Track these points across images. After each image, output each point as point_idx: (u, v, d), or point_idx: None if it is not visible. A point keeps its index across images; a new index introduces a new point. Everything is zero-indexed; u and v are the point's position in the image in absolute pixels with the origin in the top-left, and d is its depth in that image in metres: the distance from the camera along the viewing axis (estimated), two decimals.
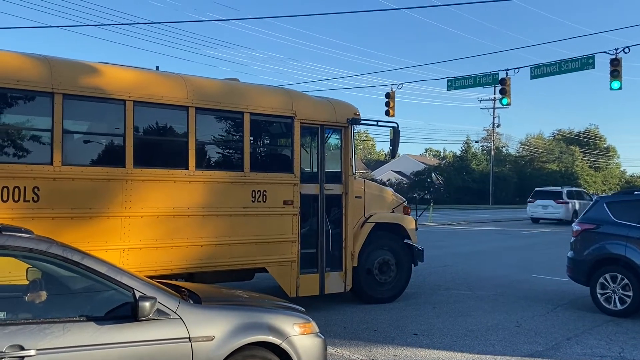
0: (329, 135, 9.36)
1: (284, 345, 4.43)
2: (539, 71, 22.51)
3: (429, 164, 72.80)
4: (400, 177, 67.79)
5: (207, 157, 8.12)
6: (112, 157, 7.26)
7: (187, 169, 7.60)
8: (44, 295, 3.99)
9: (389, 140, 10.05)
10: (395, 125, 9.94)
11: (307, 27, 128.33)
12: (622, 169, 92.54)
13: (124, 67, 7.65)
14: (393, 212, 10.29)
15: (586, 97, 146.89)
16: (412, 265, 10.25)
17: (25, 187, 6.41)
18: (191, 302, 4.36)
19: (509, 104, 23.96)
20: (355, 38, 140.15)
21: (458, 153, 75.47)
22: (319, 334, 4.80)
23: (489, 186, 61.63)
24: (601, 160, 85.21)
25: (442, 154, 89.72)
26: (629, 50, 19.76)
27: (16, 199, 6.37)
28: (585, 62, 21.19)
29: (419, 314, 8.89)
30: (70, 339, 3.61)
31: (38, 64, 6.75)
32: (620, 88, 20.12)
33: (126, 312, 3.88)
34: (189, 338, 4.03)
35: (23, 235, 3.90)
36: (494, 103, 61.20)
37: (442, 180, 11.81)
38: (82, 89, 6.86)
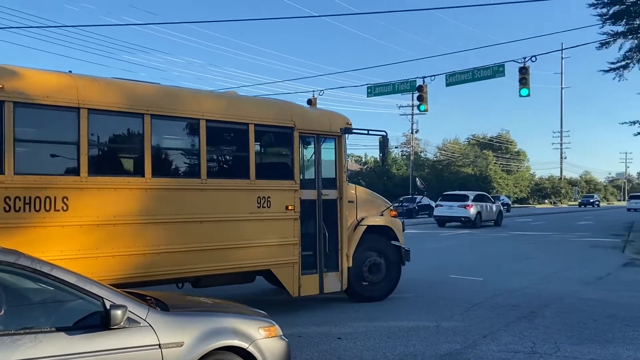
0: (325, 144, 9.92)
1: (251, 349, 4.59)
2: (453, 79, 23.36)
3: (351, 170, 73.81)
4: None
5: (217, 166, 8.78)
6: (133, 167, 7.76)
7: (200, 177, 8.10)
8: (10, 306, 3.95)
9: (378, 148, 10.76)
10: (384, 134, 10.59)
11: (227, 33, 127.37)
12: (531, 172, 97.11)
13: (142, 83, 8.31)
14: (382, 215, 10.82)
15: (498, 104, 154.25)
16: (401, 265, 10.79)
17: (55, 197, 6.77)
18: (158, 309, 4.42)
19: (426, 110, 24.67)
20: (276, 44, 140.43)
21: (379, 158, 76.86)
22: (282, 336, 4.99)
23: (409, 190, 63.17)
24: (512, 164, 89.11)
25: (363, 159, 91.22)
26: (536, 59, 20.88)
27: (47, 208, 6.72)
28: (496, 70, 22.19)
29: (343, 319, 8.98)
30: (42, 350, 3.61)
31: (65, 81, 7.12)
32: (528, 95, 21.19)
33: (95, 321, 3.92)
34: (159, 345, 4.11)
35: None
36: (412, 109, 62.72)
37: (425, 184, 12.91)
38: (106, 104, 7.25)
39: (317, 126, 9.67)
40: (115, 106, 7.31)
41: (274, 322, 5.00)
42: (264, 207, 8.71)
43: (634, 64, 31.88)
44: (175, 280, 8.32)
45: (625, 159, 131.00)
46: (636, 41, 30.80)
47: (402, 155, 76.77)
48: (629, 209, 59.73)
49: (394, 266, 10.64)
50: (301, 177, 9.52)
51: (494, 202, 34.63)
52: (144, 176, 7.51)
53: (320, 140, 9.75)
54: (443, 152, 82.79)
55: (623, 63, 31.88)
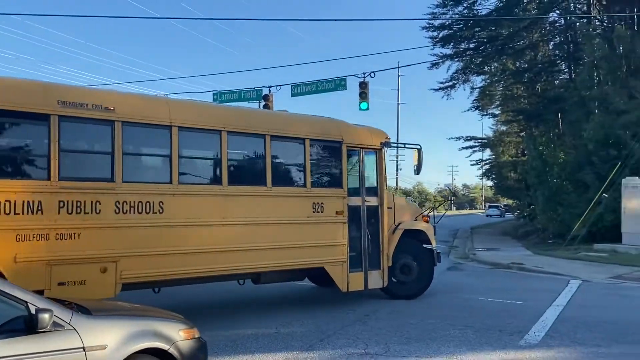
0: (367, 156, 11.11)
1: (172, 350, 4.79)
2: (298, 89, 23.93)
3: None
4: None
5: (279, 175, 9.81)
6: (212, 177, 9.15)
7: (266, 185, 9.38)
8: None
9: (414, 159, 11.97)
10: (419, 147, 11.84)
11: (64, 30, 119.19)
12: None
13: (220, 105, 10.24)
14: (416, 220, 11.93)
15: (341, 116, 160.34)
16: (434, 265, 11.83)
17: (153, 202, 8.12)
18: (81, 313, 4.51)
19: None
20: (117, 45, 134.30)
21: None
22: (201, 338, 5.25)
23: None
24: None
25: None
26: (374, 75, 22.17)
27: (147, 211, 8.06)
28: (339, 84, 23.13)
29: None
30: None
31: (159, 103, 8.83)
32: (367, 108, 22.37)
33: (19, 325, 3.98)
34: (83, 348, 4.20)
35: None
36: None
37: (453, 191, 14.17)
38: (190, 122, 8.67)
39: (361, 140, 10.96)
40: (196, 124, 8.74)
41: (193, 325, 5.21)
42: (318, 212, 9.98)
43: (459, 85, 35.04)
44: (243, 276, 9.58)
45: (452, 171, 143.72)
46: (462, 64, 33.84)
47: None
48: (487, 215, 71.59)
49: (427, 267, 11.68)
50: (351, 186, 10.69)
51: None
52: (221, 184, 8.86)
53: (363, 153, 10.98)
54: None
55: (451, 83, 34.94)
